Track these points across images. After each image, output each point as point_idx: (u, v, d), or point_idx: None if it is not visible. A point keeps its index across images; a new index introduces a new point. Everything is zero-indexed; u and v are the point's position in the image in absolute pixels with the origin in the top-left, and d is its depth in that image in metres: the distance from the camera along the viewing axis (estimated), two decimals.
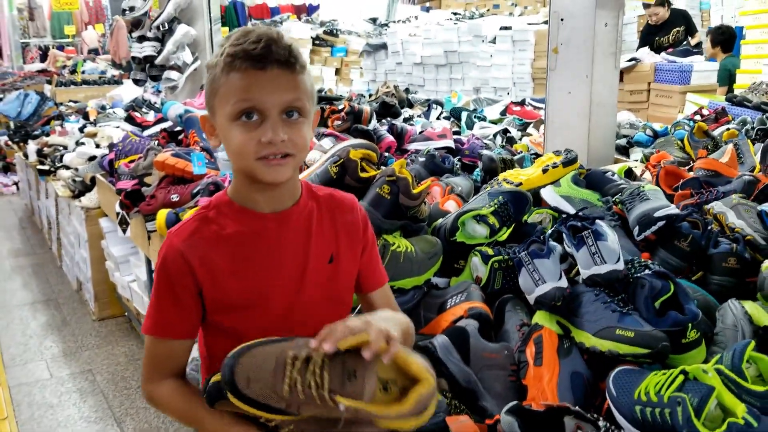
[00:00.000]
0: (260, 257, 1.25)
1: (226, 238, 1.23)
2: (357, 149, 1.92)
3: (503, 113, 4.91)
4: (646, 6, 6.94)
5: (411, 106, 5.84)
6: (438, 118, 4.89)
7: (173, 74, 4.15)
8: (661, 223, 1.81)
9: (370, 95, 6.48)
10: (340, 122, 3.09)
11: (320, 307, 1.29)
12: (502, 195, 2.00)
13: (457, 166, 2.72)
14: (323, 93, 6.95)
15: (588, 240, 1.60)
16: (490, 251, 1.87)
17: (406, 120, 4.32)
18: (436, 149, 3.16)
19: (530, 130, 4.19)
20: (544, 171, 2.21)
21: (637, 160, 3.02)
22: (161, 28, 4.15)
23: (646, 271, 1.57)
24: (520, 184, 2.22)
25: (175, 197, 2.64)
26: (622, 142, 3.29)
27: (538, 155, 2.97)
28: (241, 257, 1.24)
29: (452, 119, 4.68)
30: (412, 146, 3.24)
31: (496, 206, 1.95)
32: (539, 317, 1.61)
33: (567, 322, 1.56)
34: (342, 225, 1.34)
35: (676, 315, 1.44)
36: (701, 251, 1.79)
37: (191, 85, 4.44)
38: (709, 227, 1.84)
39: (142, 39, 4.26)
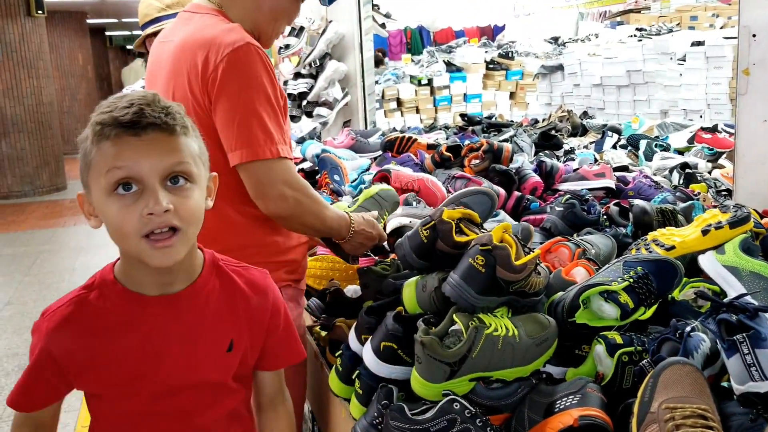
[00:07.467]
0: (138, 347, 1.14)
1: (102, 328, 1.15)
2: (453, 209, 1.63)
3: (691, 141, 4.28)
4: None
5: (585, 132, 5.40)
6: (614, 147, 4.40)
7: (323, 110, 4.12)
8: None
9: (543, 120, 6.08)
10: (477, 161, 2.83)
11: (208, 395, 1.21)
12: (641, 266, 1.59)
13: (603, 217, 2.30)
14: (493, 119, 6.66)
15: (742, 346, 1.17)
16: (619, 339, 1.48)
17: (567, 152, 3.94)
18: (591, 190, 2.76)
19: (723, 161, 3.61)
20: (705, 233, 1.74)
21: None
22: (313, 65, 4.15)
23: None
24: (673, 247, 1.78)
25: None
26: None
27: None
28: (117, 347, 1.14)
29: (629, 149, 4.18)
30: (563, 186, 2.87)
31: (631, 280, 1.55)
32: None
33: None
34: (245, 310, 1.21)
35: None
36: None
37: (342, 120, 4.40)
38: None
39: (297, 76, 4.30)
